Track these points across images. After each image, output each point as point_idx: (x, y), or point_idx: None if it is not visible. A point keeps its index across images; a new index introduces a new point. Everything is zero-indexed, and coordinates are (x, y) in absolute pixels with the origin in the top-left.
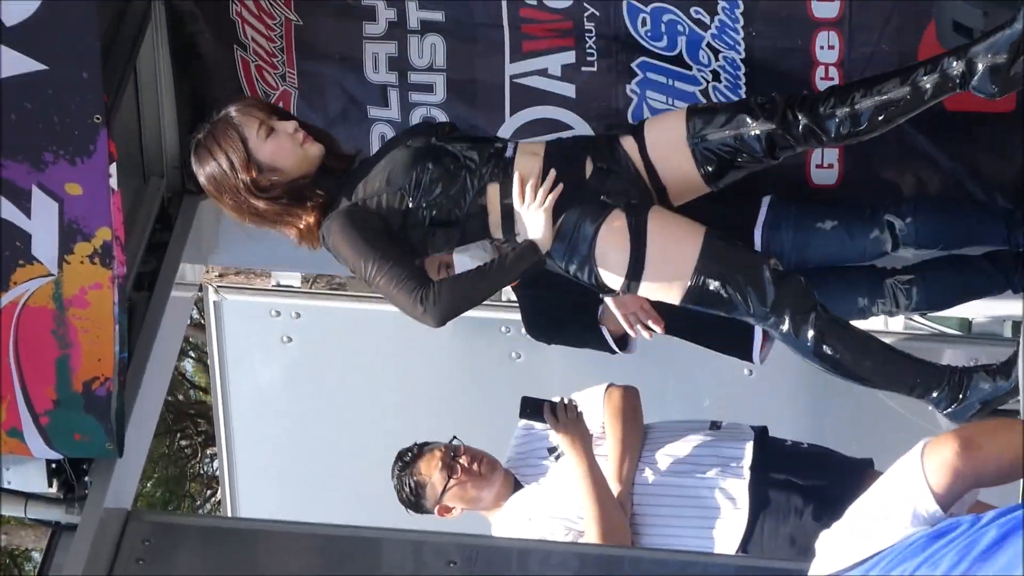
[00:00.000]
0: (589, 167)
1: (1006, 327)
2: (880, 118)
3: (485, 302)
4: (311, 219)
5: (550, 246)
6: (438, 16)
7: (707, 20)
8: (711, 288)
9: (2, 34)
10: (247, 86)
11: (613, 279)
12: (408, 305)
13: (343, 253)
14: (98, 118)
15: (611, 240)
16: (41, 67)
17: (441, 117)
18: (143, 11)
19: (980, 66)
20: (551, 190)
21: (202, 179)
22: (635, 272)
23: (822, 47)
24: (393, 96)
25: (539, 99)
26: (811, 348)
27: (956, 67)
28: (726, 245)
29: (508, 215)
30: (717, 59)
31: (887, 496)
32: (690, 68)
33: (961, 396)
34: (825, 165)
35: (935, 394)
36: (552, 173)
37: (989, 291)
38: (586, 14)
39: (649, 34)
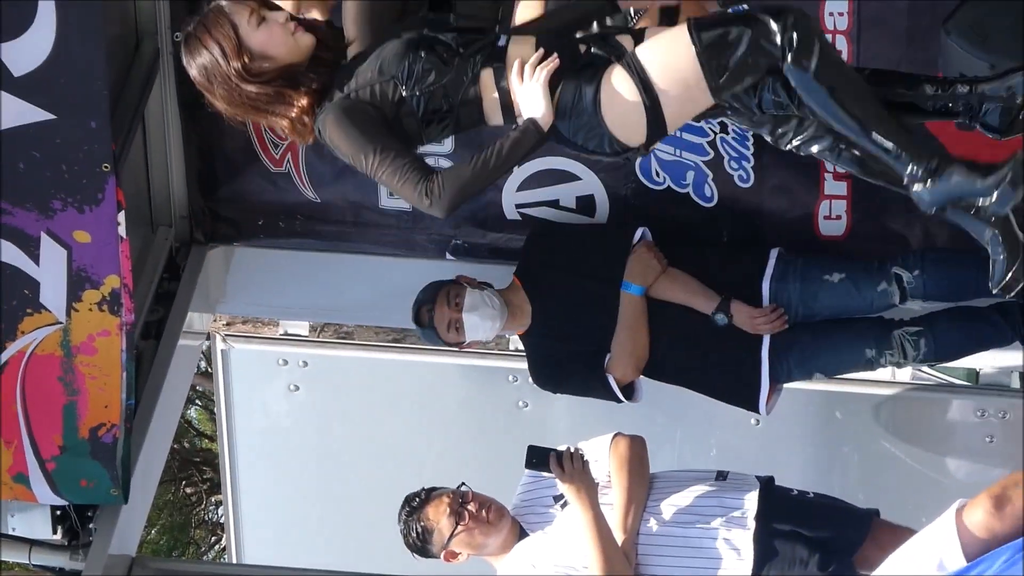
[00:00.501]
0: (583, 48)
1: (1014, 378)
2: None
3: (492, 350)
4: (304, 102)
5: (551, 123)
6: None
7: None
8: (728, 67)
9: (11, 84)
10: (255, 137)
11: (631, 129)
12: (413, 198)
13: (341, 147)
14: (106, 166)
15: (615, 89)
16: (50, 116)
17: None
18: (151, 61)
19: (991, 104)
20: (547, 67)
21: (193, 71)
22: (652, 105)
23: None
24: None
25: (548, 149)
26: (812, 75)
27: (968, 98)
28: (710, 20)
29: (504, 101)
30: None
31: (916, 553)
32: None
33: (933, 180)
34: (833, 216)
35: (911, 168)
36: (554, 57)
37: (997, 342)
38: None
39: None
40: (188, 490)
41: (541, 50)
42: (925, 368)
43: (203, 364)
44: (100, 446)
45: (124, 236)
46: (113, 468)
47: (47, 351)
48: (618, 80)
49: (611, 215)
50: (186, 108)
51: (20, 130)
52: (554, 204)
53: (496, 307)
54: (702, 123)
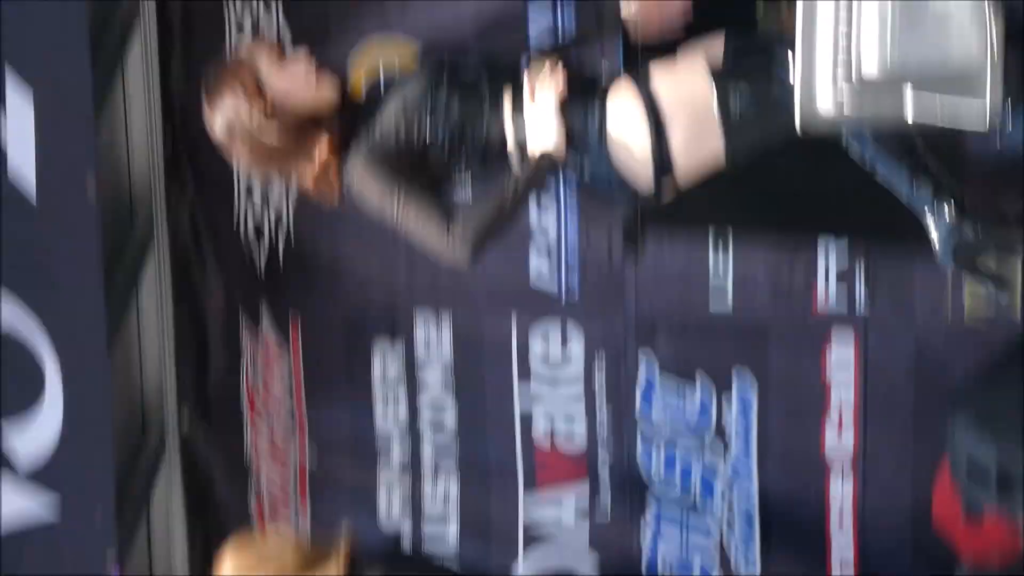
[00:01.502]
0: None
1: None
2: None
3: None
4: (327, 153)
5: (563, 151)
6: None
7: (721, 464)
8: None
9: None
10: (259, 525)
11: (637, 167)
12: (437, 247)
13: (367, 195)
14: (110, 553)
15: (620, 115)
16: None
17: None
18: (158, 446)
19: None
20: (554, 89)
21: (215, 126)
22: (658, 134)
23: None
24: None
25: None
26: None
27: None
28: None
29: (518, 138)
30: (731, 509)
31: None
32: (703, 517)
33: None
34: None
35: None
36: (557, 72)
37: None
38: (599, 458)
39: (662, 477)
40: None
41: (558, 66)
42: None
43: None
44: None
45: None
46: None
47: None
48: (624, 102)
49: None
50: (191, 497)
51: (22, 531)
52: None
53: None
54: (707, 519)
